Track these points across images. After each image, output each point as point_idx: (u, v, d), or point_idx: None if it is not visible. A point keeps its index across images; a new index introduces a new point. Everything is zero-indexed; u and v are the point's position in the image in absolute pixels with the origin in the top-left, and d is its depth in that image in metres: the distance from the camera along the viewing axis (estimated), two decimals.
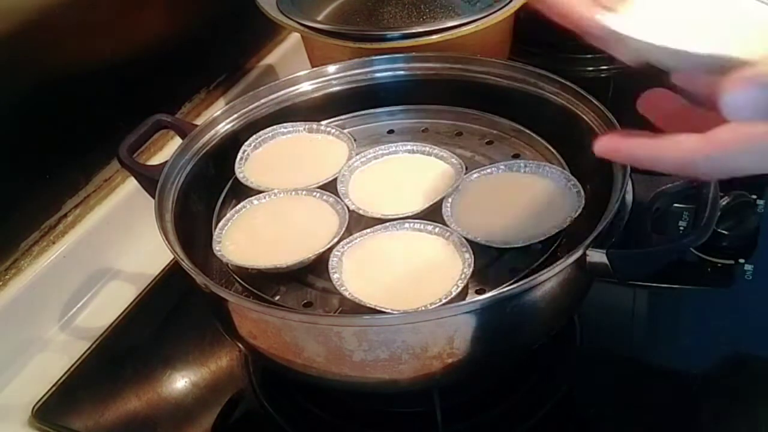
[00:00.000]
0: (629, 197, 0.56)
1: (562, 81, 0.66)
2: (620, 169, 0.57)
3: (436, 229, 0.59)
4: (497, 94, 0.70)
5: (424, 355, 0.51)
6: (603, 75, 0.97)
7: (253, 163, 0.67)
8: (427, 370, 0.52)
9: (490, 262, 0.58)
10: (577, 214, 0.57)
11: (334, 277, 0.55)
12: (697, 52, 0.39)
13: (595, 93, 0.64)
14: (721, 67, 0.38)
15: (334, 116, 0.74)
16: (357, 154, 0.66)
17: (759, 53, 0.38)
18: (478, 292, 0.56)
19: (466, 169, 0.65)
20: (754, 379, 0.61)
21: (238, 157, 0.67)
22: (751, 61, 0.37)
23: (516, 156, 0.68)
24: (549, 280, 0.51)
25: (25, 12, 0.70)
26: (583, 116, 0.64)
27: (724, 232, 0.69)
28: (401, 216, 0.60)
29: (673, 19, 0.41)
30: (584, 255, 0.52)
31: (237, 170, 0.66)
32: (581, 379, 0.63)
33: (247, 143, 0.68)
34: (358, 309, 0.54)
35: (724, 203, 0.69)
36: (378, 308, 0.52)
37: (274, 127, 0.69)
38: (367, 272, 0.56)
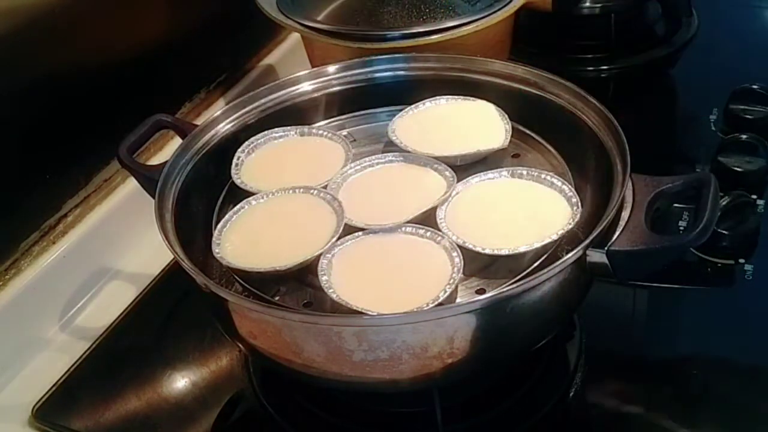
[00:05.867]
0: (629, 197, 0.55)
1: (562, 81, 0.66)
2: (620, 169, 0.57)
3: (427, 233, 0.58)
4: (497, 94, 0.70)
5: (424, 355, 0.51)
6: (603, 75, 0.97)
7: (249, 169, 0.67)
8: (427, 370, 0.52)
9: (490, 262, 0.58)
10: (570, 226, 0.57)
11: (323, 279, 0.55)
12: None
13: (595, 93, 0.64)
14: None
15: (334, 116, 0.74)
16: (353, 159, 0.66)
17: None
18: (478, 292, 0.56)
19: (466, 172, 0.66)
20: (755, 379, 0.61)
21: (233, 163, 0.67)
22: None
23: (516, 156, 0.68)
24: (549, 280, 0.51)
25: (25, 12, 0.70)
26: (583, 116, 0.64)
27: (724, 232, 0.69)
28: (386, 227, 0.59)
29: None
30: (584, 255, 0.52)
31: (234, 176, 0.66)
32: (581, 379, 0.63)
33: (240, 149, 0.68)
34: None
35: (724, 203, 0.69)
36: (363, 311, 0.52)
37: (266, 132, 0.69)
38: (356, 275, 0.56)
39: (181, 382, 0.67)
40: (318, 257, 0.57)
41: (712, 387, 0.62)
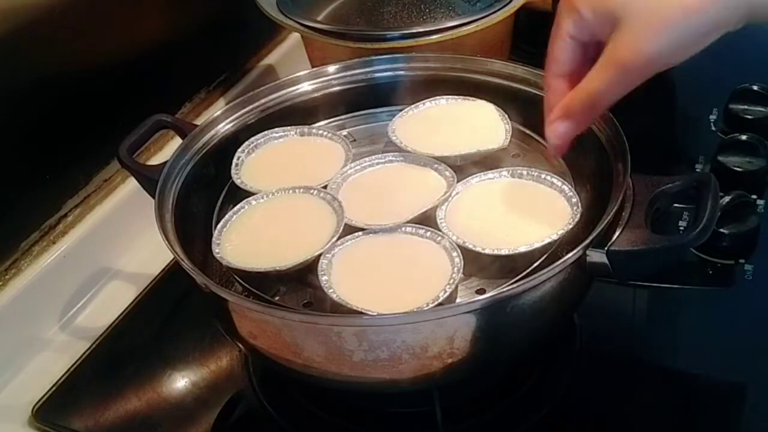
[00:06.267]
0: (629, 197, 0.55)
1: None
2: (620, 169, 0.57)
3: (428, 233, 0.58)
4: (497, 94, 0.70)
5: (424, 355, 0.51)
6: None
7: (249, 169, 0.67)
8: (427, 370, 0.52)
9: (490, 262, 0.58)
10: (570, 226, 0.57)
11: (323, 279, 0.55)
12: None
13: None
14: None
15: (334, 116, 0.74)
16: (354, 159, 0.66)
17: None
18: (478, 292, 0.56)
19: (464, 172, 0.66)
20: (755, 379, 0.61)
21: (233, 163, 0.67)
22: None
23: (516, 156, 0.68)
24: (549, 280, 0.51)
25: (25, 12, 0.70)
26: None
27: (724, 232, 0.69)
28: (386, 227, 0.59)
29: None
30: (584, 255, 0.52)
31: (234, 176, 0.66)
32: (581, 379, 0.63)
33: (240, 149, 0.68)
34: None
35: (724, 203, 0.69)
36: (363, 311, 0.52)
37: (266, 132, 0.69)
38: (356, 275, 0.56)
39: (181, 382, 0.67)
40: (318, 257, 0.57)
41: (712, 387, 0.62)
